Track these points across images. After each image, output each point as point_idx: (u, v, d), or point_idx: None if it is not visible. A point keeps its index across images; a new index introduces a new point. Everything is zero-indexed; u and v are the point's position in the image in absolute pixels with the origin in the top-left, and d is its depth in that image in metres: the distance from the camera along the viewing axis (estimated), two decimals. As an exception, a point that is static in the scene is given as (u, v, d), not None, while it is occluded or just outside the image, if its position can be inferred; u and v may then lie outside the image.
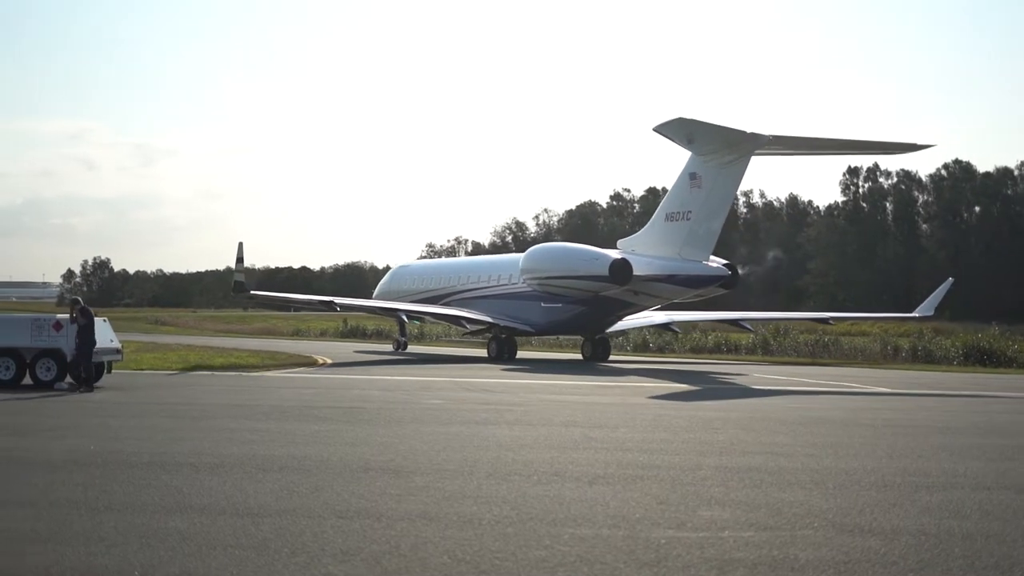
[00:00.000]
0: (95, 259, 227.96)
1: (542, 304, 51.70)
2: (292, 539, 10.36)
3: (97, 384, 30.42)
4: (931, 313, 56.78)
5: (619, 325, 54.13)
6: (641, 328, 59.98)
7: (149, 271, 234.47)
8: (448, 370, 41.24)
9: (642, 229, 51.84)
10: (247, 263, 53.23)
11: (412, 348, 61.18)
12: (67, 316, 30.50)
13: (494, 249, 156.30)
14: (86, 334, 29.35)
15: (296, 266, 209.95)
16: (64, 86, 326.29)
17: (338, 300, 58.42)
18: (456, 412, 23.94)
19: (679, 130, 45.48)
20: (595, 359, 52.58)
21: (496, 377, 37.32)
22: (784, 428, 21.50)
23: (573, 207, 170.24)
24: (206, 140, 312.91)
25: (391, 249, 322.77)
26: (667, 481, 14.17)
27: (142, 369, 37.77)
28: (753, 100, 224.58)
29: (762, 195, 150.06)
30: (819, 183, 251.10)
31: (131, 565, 9.34)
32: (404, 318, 59.82)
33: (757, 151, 46.52)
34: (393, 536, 10.56)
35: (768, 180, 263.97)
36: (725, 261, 48.46)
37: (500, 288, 54.68)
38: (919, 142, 50.40)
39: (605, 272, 47.84)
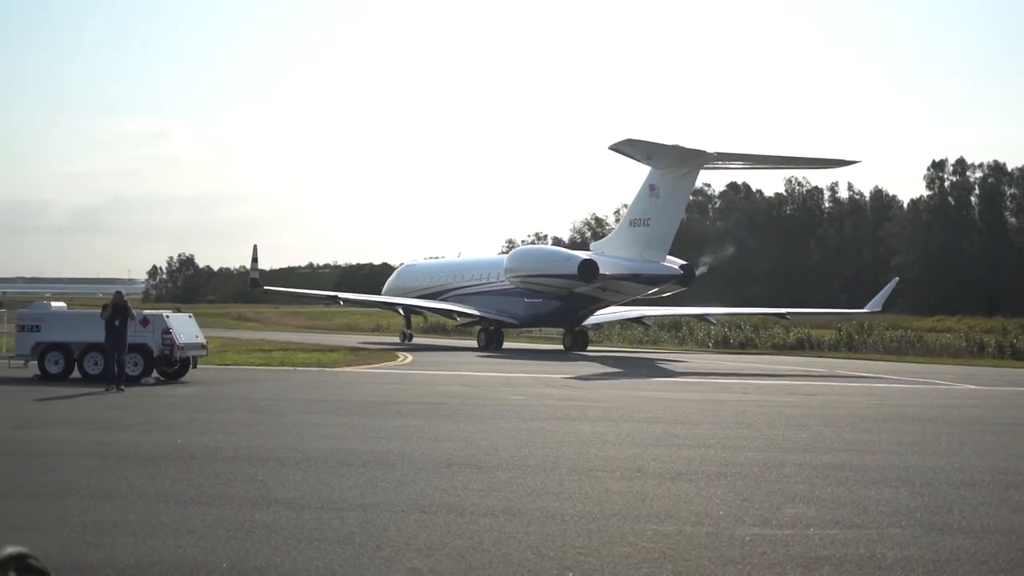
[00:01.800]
0: (179, 255, 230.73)
1: (525, 300, 57.53)
2: (377, 533, 10.42)
3: (183, 379, 30.88)
4: (879, 309, 59.48)
5: (593, 319, 59.37)
6: (615, 322, 64.59)
7: (232, 268, 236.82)
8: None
9: (611, 234, 58.82)
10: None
11: (416, 340, 65.57)
12: (156, 312, 31.01)
13: (573, 245, 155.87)
14: (117, 330, 28.61)
15: (377, 262, 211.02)
16: (146, 85, 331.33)
17: (342, 295, 67.64)
18: (537, 408, 23.96)
19: (639, 149, 51.72)
20: (575, 349, 57.16)
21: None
22: (868, 425, 21.26)
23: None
24: (286, 137, 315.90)
25: (472, 245, 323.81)
26: (750, 478, 14.07)
27: (226, 364, 38.27)
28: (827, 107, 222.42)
29: (849, 187, 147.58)
30: (905, 176, 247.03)
31: (219, 557, 9.47)
32: (401, 311, 65.13)
33: (706, 165, 53.18)
34: (477, 531, 10.59)
35: (854, 173, 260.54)
36: (682, 261, 54.54)
37: (489, 285, 60.39)
38: (847, 158, 58.73)
39: (575, 271, 53.71)
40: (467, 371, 37.65)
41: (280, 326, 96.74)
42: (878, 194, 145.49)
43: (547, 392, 28.80)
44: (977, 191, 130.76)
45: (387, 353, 49.41)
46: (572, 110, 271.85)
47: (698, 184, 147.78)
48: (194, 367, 31.93)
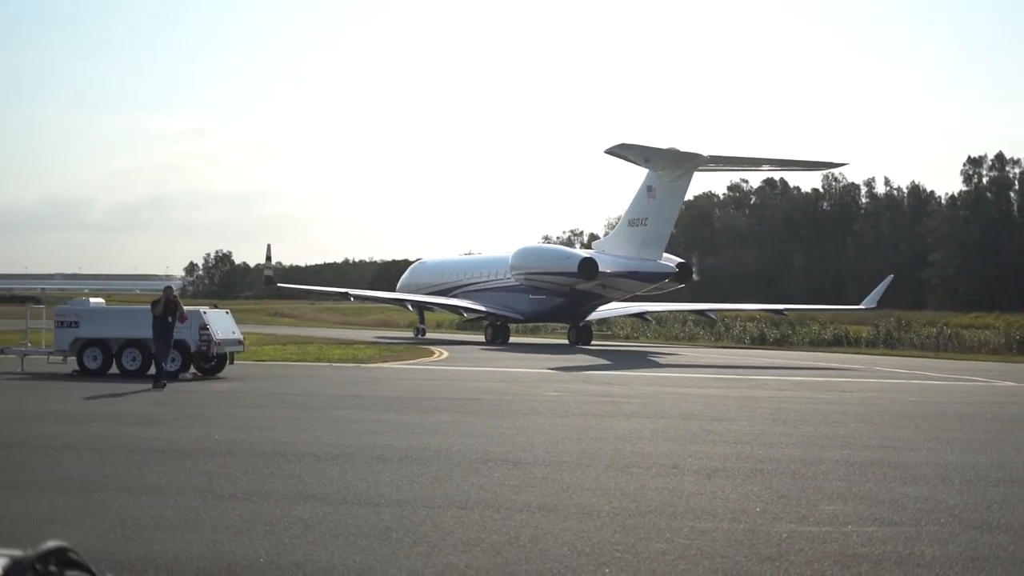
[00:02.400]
0: (217, 252, 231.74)
1: (529, 296, 60.01)
2: (413, 529, 10.44)
3: (220, 375, 31.04)
4: (874, 305, 60.78)
5: (596, 314, 61.66)
6: (618, 317, 67.08)
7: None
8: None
9: (611, 233, 62.00)
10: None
11: (431, 335, 67.35)
12: (193, 308, 31.15)
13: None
14: (166, 325, 28.45)
15: (413, 258, 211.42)
16: (184, 83, 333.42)
17: (352, 291, 70.04)
18: (573, 404, 23.93)
19: (635, 152, 54.02)
20: (579, 343, 59.61)
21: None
22: (906, 422, 21.13)
23: (691, 198, 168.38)
24: (324, 135, 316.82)
25: (507, 241, 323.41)
26: (787, 475, 14.01)
27: (263, 360, 38.43)
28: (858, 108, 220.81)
29: (886, 182, 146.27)
30: (943, 172, 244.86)
31: (256, 552, 9.50)
32: (410, 307, 67.64)
33: (700, 167, 55.81)
34: (513, 527, 10.59)
35: (892, 167, 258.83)
36: (679, 260, 58.01)
37: (496, 282, 62.54)
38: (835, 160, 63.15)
39: (575, 269, 56.02)
40: (501, 367, 37.66)
41: (315, 322, 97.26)
42: (915, 190, 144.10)
43: (583, 388, 28.77)
44: (1016, 186, 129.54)
45: (422, 349, 49.55)
46: (609, 109, 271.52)
47: (735, 180, 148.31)
48: (231, 363, 32.05)
